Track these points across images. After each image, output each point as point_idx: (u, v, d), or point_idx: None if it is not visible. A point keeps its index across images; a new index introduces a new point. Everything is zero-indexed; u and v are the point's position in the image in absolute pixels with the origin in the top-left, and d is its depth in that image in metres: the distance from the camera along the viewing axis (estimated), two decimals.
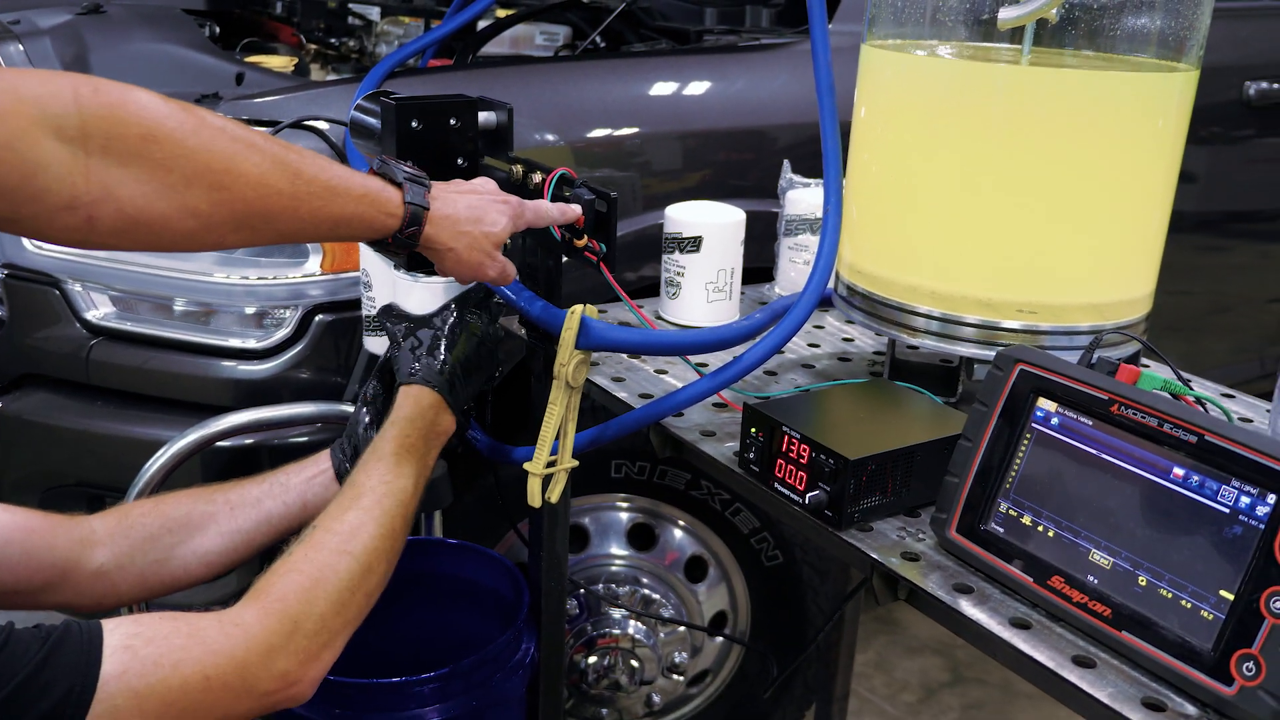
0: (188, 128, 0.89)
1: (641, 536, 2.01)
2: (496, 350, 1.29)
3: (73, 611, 1.19)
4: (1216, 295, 2.78)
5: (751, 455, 1.07)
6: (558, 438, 1.11)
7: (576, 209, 1.21)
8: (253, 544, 1.26)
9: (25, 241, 1.74)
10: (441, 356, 1.20)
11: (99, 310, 1.74)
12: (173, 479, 1.56)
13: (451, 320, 1.23)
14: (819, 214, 1.53)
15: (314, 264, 1.67)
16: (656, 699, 2.03)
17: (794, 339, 1.44)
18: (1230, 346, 2.86)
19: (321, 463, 1.31)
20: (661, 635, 1.99)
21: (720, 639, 2.07)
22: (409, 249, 1.11)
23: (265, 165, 0.94)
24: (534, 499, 1.10)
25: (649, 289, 1.69)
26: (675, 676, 2.02)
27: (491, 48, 2.22)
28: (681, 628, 2.00)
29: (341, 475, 1.27)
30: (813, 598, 2.04)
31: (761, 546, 1.99)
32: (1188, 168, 2.52)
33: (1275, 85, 2.45)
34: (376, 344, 1.36)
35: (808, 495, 0.99)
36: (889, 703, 2.50)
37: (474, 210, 1.14)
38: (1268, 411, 1.26)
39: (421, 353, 1.21)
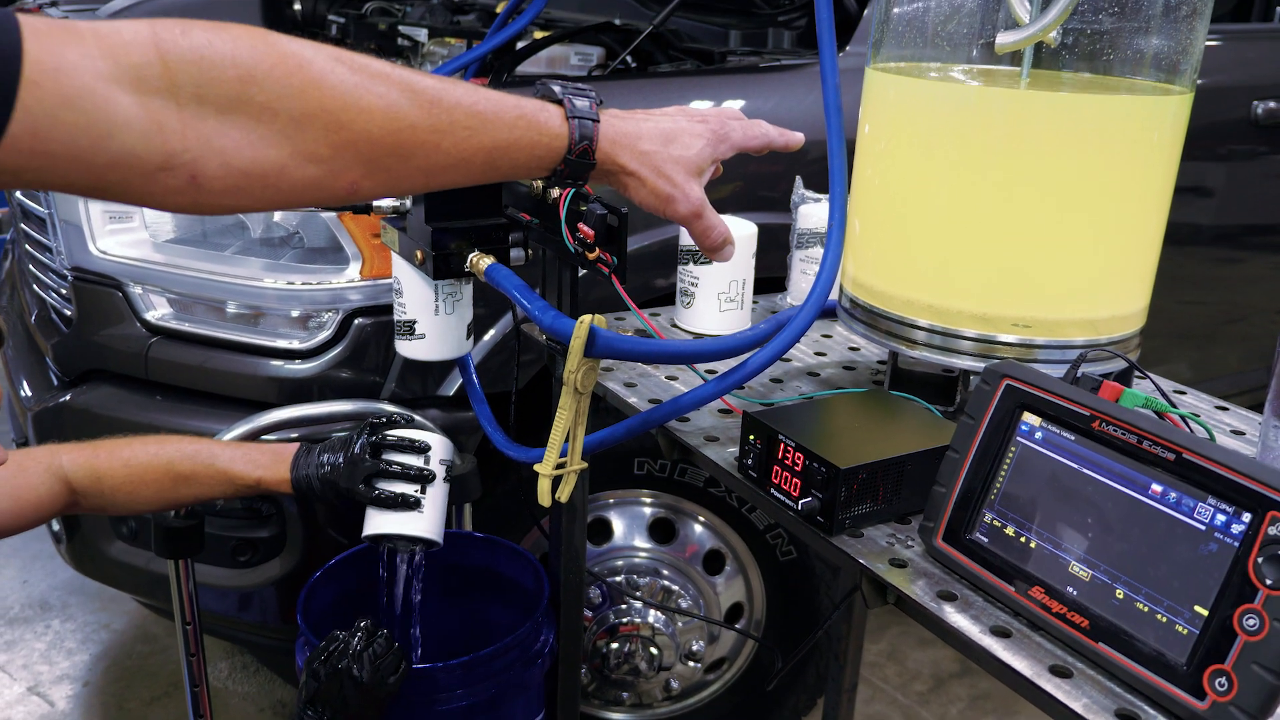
0: (292, 63, 0.74)
1: (662, 530, 1.99)
2: (383, 694, 1.29)
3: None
4: (1229, 305, 2.72)
5: (750, 461, 1.04)
6: (567, 440, 1.09)
7: (799, 136, 1.11)
8: None
9: (91, 245, 1.75)
10: (327, 713, 1.26)
11: (158, 311, 1.75)
12: None
13: (328, 674, 1.26)
14: None
15: (354, 270, 1.67)
16: (675, 684, 2.01)
17: (802, 348, 1.41)
18: (1242, 355, 2.80)
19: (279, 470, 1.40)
20: (680, 624, 1.97)
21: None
22: (583, 175, 0.94)
23: (392, 96, 0.79)
24: (544, 499, 1.08)
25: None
26: (692, 663, 2.00)
27: (528, 67, 2.21)
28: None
29: (299, 484, 1.37)
30: (825, 591, 2.01)
31: (776, 542, 1.97)
32: (1201, 183, 2.45)
33: None
34: (407, 348, 1.35)
35: (801, 502, 0.96)
36: (900, 692, 2.45)
37: (660, 130, 0.97)
38: (1260, 424, 1.21)
39: (304, 699, 1.27)
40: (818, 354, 1.40)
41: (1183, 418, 0.92)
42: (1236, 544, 0.72)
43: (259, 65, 0.73)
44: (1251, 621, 0.70)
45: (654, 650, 1.94)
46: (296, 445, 1.40)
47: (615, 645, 1.93)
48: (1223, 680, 0.71)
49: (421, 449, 1.36)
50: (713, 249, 1.06)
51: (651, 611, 1.94)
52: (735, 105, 1.86)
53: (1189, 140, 1.11)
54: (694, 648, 1.98)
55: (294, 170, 0.76)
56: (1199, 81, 1.10)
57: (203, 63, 0.71)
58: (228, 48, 0.72)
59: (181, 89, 0.70)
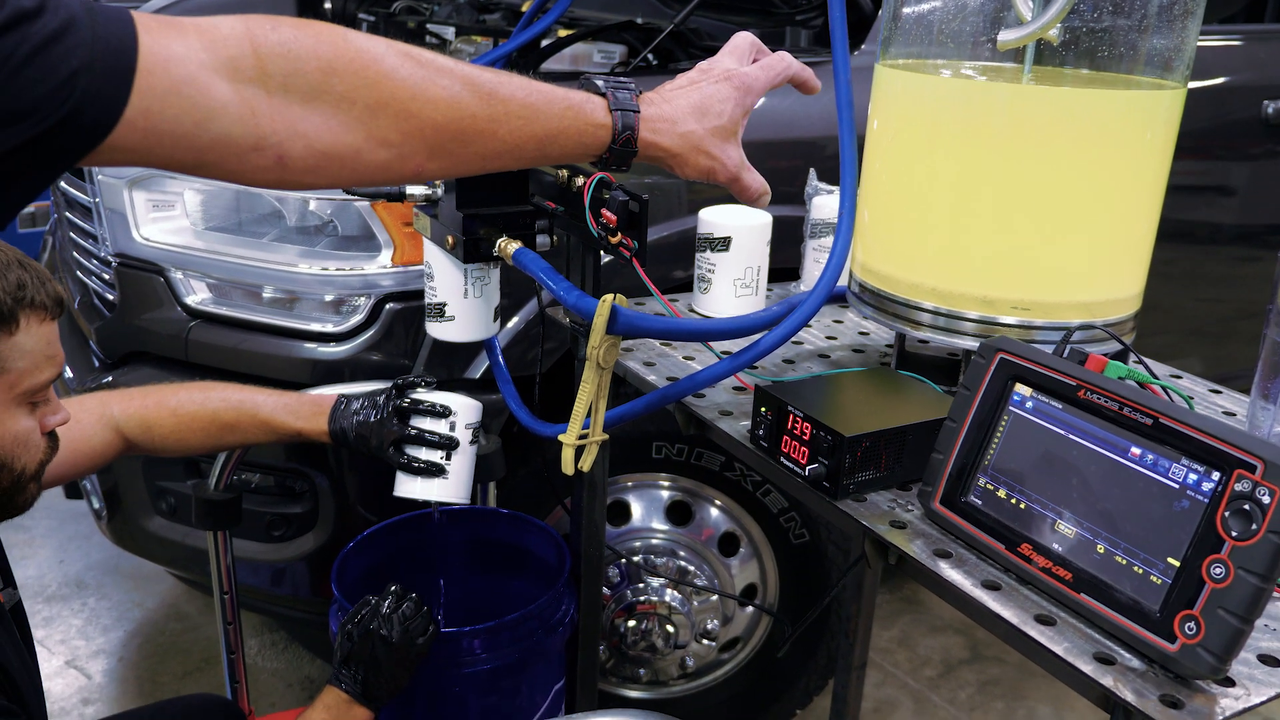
0: (367, 57, 0.82)
1: (679, 513, 2.06)
2: (412, 654, 1.37)
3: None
4: (1244, 302, 2.76)
5: (761, 432, 1.11)
6: (589, 414, 1.16)
7: (816, 81, 1.17)
8: None
9: (134, 233, 1.84)
10: (360, 672, 1.35)
11: (198, 296, 1.84)
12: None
13: (360, 635, 1.35)
14: None
15: (386, 257, 1.75)
16: (690, 662, 2.08)
17: (813, 331, 1.48)
18: (1256, 351, 2.84)
19: (318, 423, 1.48)
20: (695, 603, 2.04)
21: (749, 610, 2.11)
22: (628, 160, 1.02)
23: (455, 88, 0.87)
24: (567, 467, 1.15)
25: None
26: (707, 642, 2.07)
27: (552, 64, 2.28)
28: (714, 597, 2.05)
29: (336, 436, 1.45)
30: (836, 574, 2.07)
31: (789, 525, 2.03)
32: (1212, 182, 2.49)
33: None
34: (437, 330, 1.42)
35: (808, 468, 1.03)
36: (911, 677, 2.52)
37: (692, 106, 1.04)
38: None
39: (339, 660, 1.36)
40: (828, 337, 1.47)
41: (1163, 388, 0.98)
42: (1206, 500, 0.79)
43: (338, 59, 0.81)
44: (1218, 571, 0.77)
45: (670, 628, 2.01)
46: (335, 396, 1.48)
47: (633, 623, 2.01)
48: (1192, 625, 0.78)
49: (443, 413, 1.43)
50: (750, 202, 1.13)
51: (668, 590, 2.01)
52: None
53: (1199, 139, 1.16)
54: (709, 626, 2.05)
55: (368, 153, 0.84)
56: (1212, 82, 1.15)
57: (290, 55, 0.78)
58: (311, 42, 0.80)
59: (271, 78, 0.78)
